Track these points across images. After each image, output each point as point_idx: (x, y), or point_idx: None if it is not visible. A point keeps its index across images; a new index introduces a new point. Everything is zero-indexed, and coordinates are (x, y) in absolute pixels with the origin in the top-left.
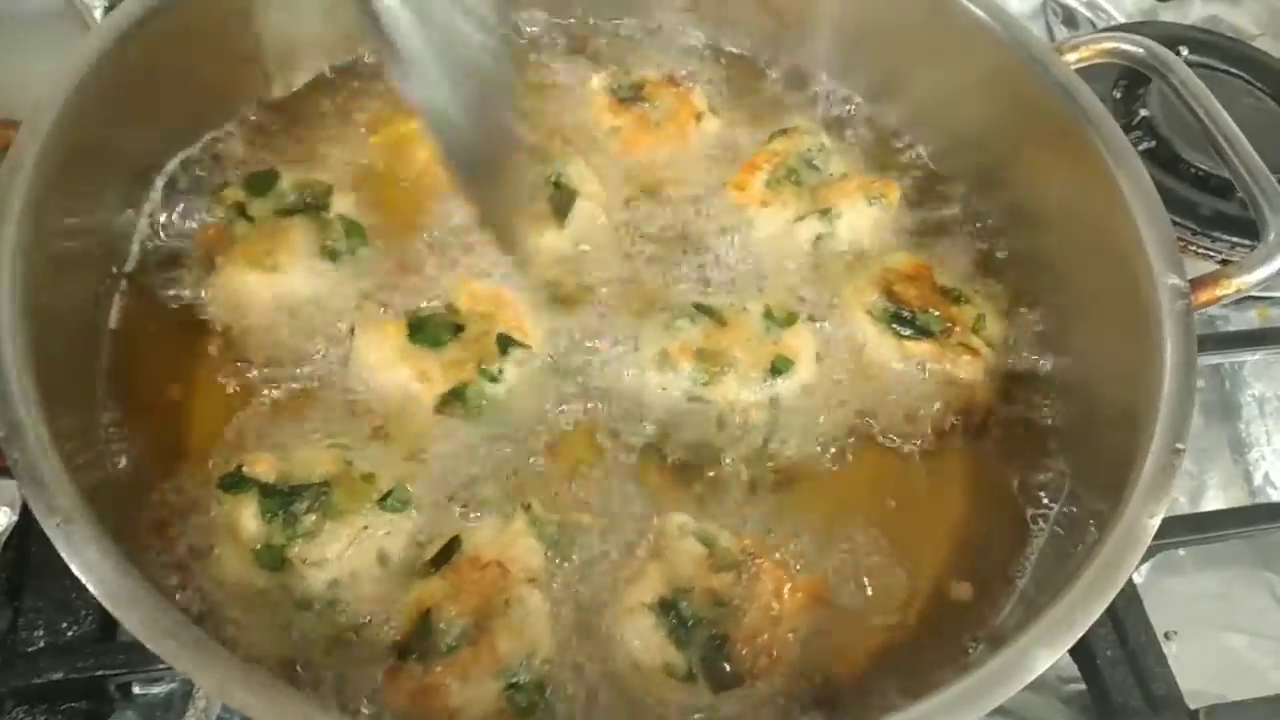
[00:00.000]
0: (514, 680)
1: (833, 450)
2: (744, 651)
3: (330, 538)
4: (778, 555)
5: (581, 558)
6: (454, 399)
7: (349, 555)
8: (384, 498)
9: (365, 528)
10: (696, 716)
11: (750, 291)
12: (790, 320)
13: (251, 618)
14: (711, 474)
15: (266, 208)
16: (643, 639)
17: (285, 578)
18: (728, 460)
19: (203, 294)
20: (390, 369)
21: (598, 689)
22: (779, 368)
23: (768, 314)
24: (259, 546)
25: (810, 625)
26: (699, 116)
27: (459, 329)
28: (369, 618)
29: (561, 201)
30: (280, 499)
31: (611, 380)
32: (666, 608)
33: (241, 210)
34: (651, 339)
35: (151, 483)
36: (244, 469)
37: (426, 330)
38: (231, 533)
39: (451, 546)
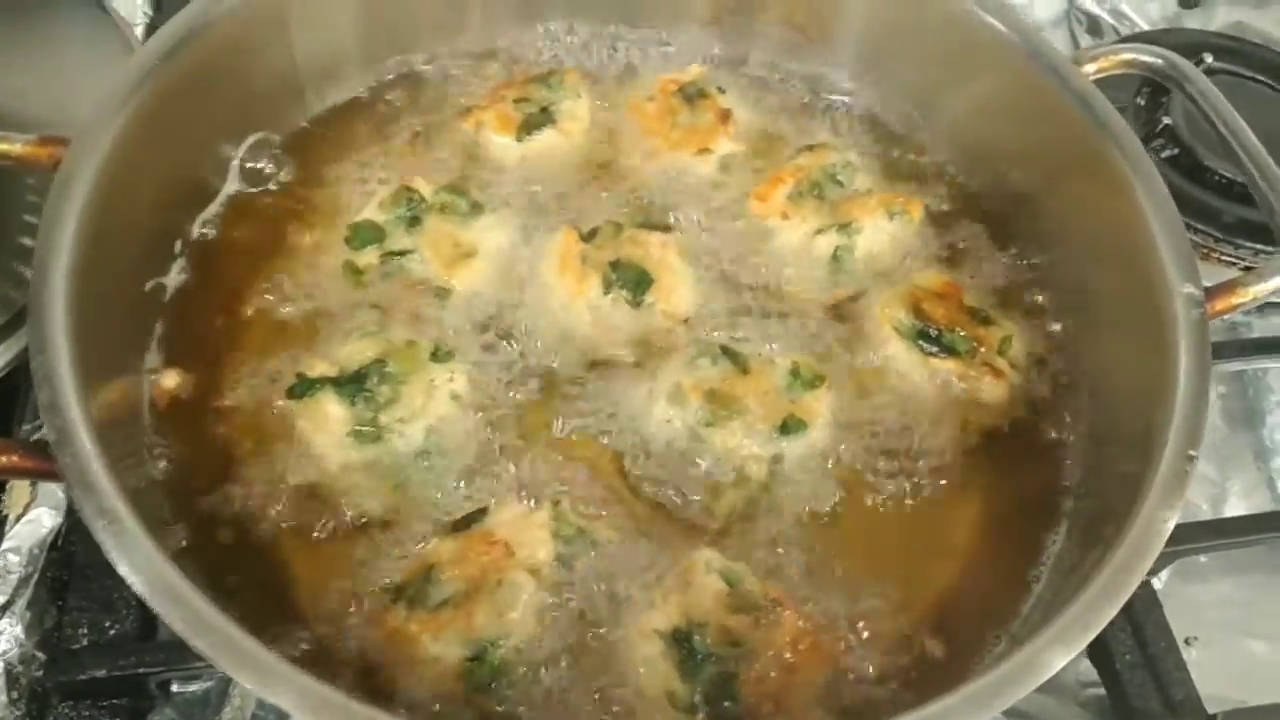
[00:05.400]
0: (478, 654)
1: (831, 503)
2: (751, 694)
3: (408, 396)
4: (804, 609)
5: (592, 571)
6: None
7: (431, 405)
8: (434, 354)
9: (432, 380)
10: None
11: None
12: (815, 383)
13: (362, 490)
14: (691, 514)
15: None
16: (650, 665)
17: (387, 445)
18: (713, 505)
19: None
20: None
21: (566, 691)
22: (790, 427)
23: (794, 371)
24: (352, 429)
25: (823, 682)
26: (718, 129)
27: None
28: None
29: (535, 121)
30: (352, 383)
31: (624, 400)
32: (680, 638)
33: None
34: (671, 371)
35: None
36: (304, 374)
37: None
38: (320, 427)
39: (475, 516)
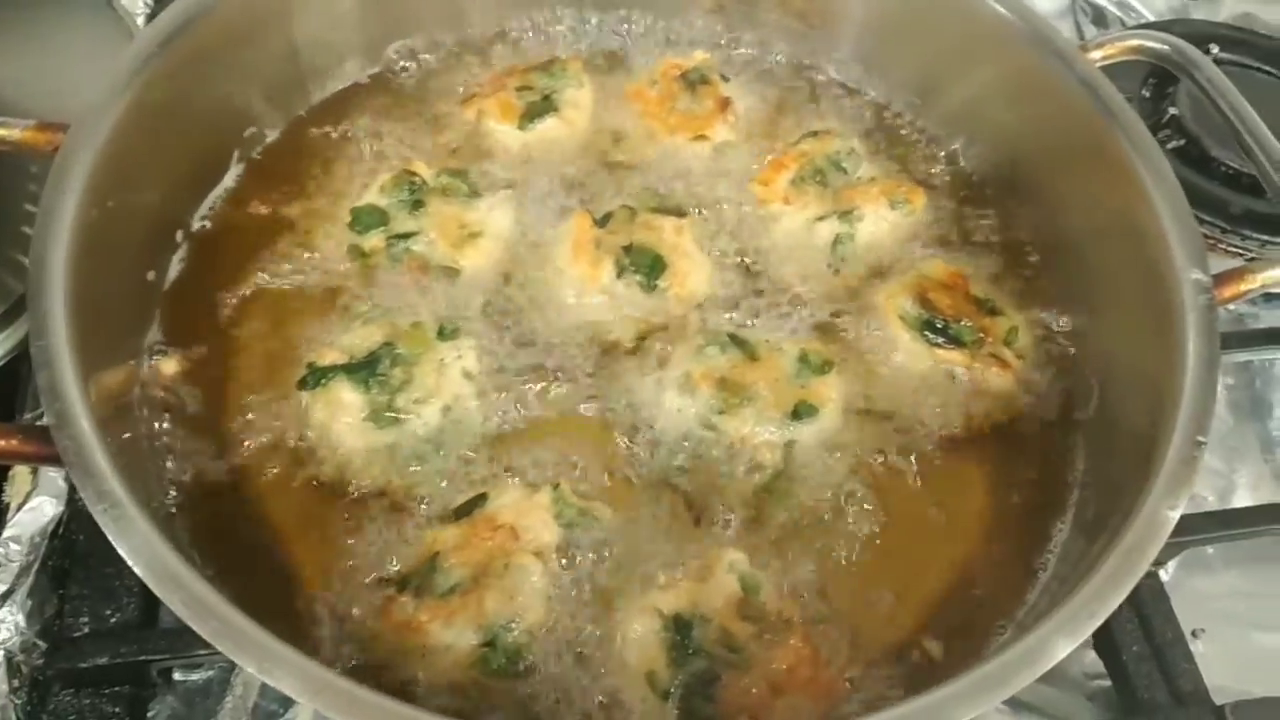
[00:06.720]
0: (491, 639)
1: (844, 490)
2: (730, 701)
3: (420, 376)
4: (813, 630)
5: (598, 553)
6: None
7: (443, 383)
8: (440, 332)
9: (441, 359)
10: None
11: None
12: (824, 368)
13: (369, 475)
14: (706, 504)
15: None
16: (640, 639)
17: (405, 426)
18: (727, 493)
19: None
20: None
21: (577, 676)
22: (801, 412)
23: (803, 357)
24: (369, 413)
25: (813, 712)
26: (716, 116)
27: None
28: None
29: (537, 109)
30: (364, 368)
31: (634, 385)
32: (679, 624)
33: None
34: (680, 360)
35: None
36: (315, 364)
37: None
38: (336, 415)
39: (476, 502)
